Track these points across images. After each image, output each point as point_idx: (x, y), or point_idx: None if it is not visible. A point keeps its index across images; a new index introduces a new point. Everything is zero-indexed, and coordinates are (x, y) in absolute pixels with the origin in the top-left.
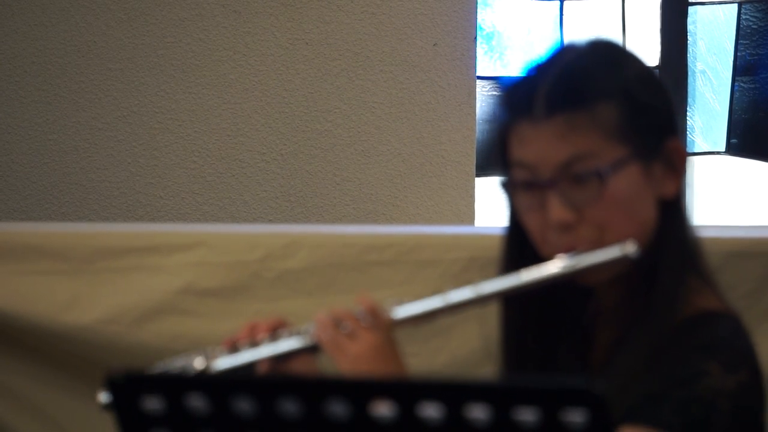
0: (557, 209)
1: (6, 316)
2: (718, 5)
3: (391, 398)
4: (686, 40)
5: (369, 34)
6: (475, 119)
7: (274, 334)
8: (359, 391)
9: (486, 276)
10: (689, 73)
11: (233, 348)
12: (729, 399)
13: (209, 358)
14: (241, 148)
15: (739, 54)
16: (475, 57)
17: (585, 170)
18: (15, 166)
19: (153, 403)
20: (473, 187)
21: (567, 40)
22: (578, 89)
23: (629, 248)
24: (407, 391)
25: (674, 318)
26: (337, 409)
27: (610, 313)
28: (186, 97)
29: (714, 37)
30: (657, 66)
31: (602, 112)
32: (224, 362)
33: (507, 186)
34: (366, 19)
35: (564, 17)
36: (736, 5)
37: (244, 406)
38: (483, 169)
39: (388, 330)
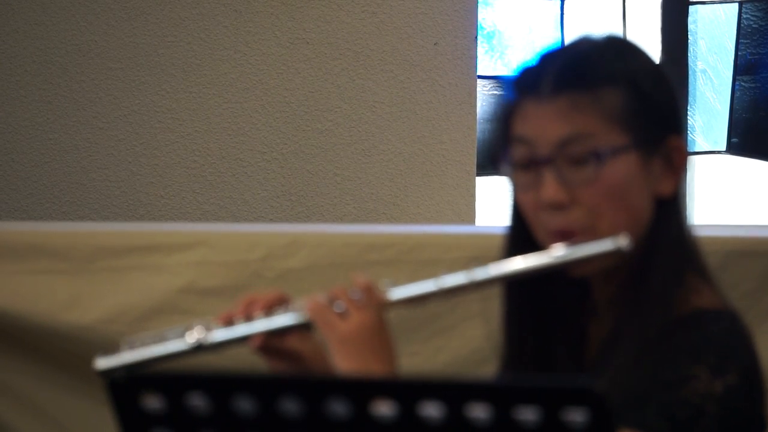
0: (551, 187)
1: (7, 316)
2: (718, 4)
3: (392, 398)
4: (687, 39)
5: (370, 34)
6: (475, 118)
7: (270, 310)
8: (360, 390)
9: None
10: (690, 72)
11: (228, 322)
12: (717, 403)
13: (203, 330)
14: (241, 147)
15: (739, 53)
16: (476, 56)
17: (583, 150)
18: (15, 165)
19: (154, 402)
20: (474, 187)
21: (583, 33)
22: (586, 72)
23: (622, 241)
24: (408, 390)
25: (666, 316)
26: (338, 408)
27: (604, 309)
28: (187, 97)
29: (715, 37)
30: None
31: (607, 97)
32: (218, 335)
33: (506, 164)
34: (367, 19)
35: (565, 16)
36: (736, 4)
37: (244, 405)
38: (484, 169)
39: (381, 310)
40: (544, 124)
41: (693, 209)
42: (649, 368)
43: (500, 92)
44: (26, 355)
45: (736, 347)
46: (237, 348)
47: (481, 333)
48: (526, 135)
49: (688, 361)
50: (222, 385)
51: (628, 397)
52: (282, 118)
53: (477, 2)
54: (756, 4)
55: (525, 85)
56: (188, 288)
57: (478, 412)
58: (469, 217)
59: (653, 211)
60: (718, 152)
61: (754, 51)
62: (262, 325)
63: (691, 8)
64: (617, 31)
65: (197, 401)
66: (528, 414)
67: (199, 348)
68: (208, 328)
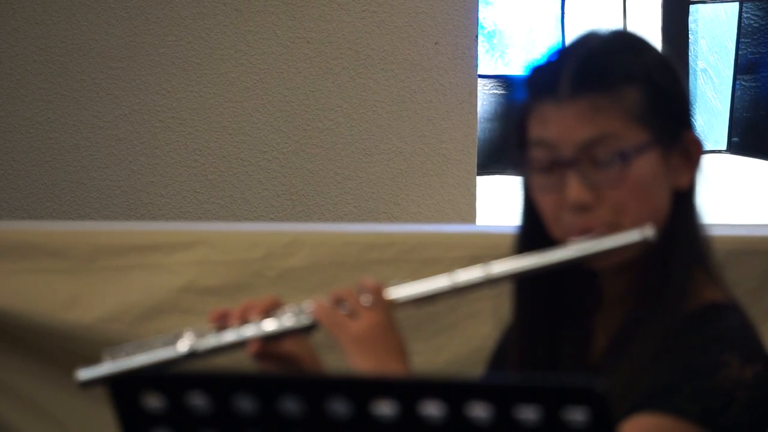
0: (576, 189)
1: (7, 315)
2: (719, 4)
3: (393, 397)
4: (687, 38)
5: (370, 33)
6: (476, 118)
7: (267, 314)
8: (361, 389)
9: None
10: (690, 71)
11: (223, 326)
12: (747, 389)
13: (193, 337)
14: (242, 146)
15: (740, 52)
16: (477, 55)
17: (608, 152)
18: (16, 164)
19: (154, 402)
20: (474, 186)
21: (588, 29)
22: (603, 72)
23: (648, 232)
24: (409, 389)
25: (684, 309)
26: (339, 407)
27: (613, 303)
28: (187, 96)
29: (715, 36)
30: None
31: (626, 96)
32: (213, 341)
33: (524, 166)
34: (367, 18)
35: (565, 15)
36: (737, 4)
37: (245, 404)
38: (484, 168)
39: (390, 310)
40: (566, 127)
41: (703, 205)
42: (676, 358)
43: (509, 92)
44: (26, 355)
45: (756, 338)
46: (233, 353)
47: (482, 332)
48: (547, 138)
49: (717, 349)
50: (222, 384)
51: (655, 387)
52: (282, 118)
53: (477, 1)
54: (756, 3)
55: (541, 87)
56: (189, 287)
57: (479, 411)
58: (469, 216)
59: (671, 205)
60: (719, 152)
61: (754, 50)
62: (260, 329)
63: (692, 7)
64: None
65: (198, 401)
66: (529, 413)
67: (192, 355)
68: (200, 334)
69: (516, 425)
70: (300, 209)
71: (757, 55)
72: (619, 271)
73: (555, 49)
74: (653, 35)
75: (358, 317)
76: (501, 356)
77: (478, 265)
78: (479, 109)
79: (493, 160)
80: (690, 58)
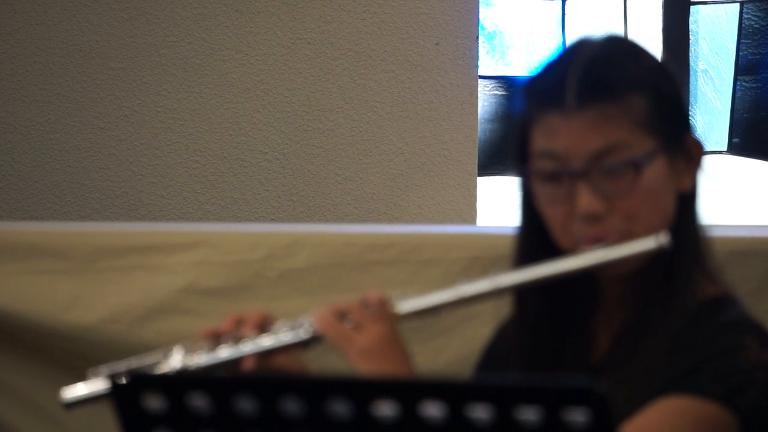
0: (588, 199)
1: (8, 316)
2: (720, 5)
3: (393, 398)
4: (688, 39)
5: (371, 34)
6: (477, 118)
7: (263, 329)
8: (361, 390)
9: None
10: (691, 72)
11: (216, 342)
12: (766, 371)
13: (185, 354)
14: (243, 147)
15: (740, 53)
16: (477, 56)
17: (619, 161)
18: (17, 165)
19: (155, 403)
20: (475, 187)
21: (580, 35)
22: (608, 80)
23: (663, 239)
24: (409, 390)
25: (691, 305)
26: (340, 408)
27: (614, 305)
28: (188, 97)
29: (716, 37)
30: None
31: (632, 104)
32: (205, 359)
33: (529, 177)
34: (368, 19)
35: (566, 16)
36: (738, 5)
37: (246, 405)
38: (485, 169)
39: (394, 322)
40: (575, 138)
41: (704, 206)
42: (693, 345)
43: (510, 93)
44: (27, 355)
45: (765, 326)
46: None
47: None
48: (555, 150)
49: (736, 332)
50: (223, 385)
51: (675, 373)
52: (283, 118)
53: (478, 2)
54: (757, 4)
55: (544, 98)
56: (189, 288)
57: (479, 412)
58: (470, 217)
59: (675, 207)
60: (720, 152)
61: (755, 51)
62: (260, 344)
63: (693, 8)
64: (618, 31)
65: (198, 401)
66: (529, 414)
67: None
68: (192, 351)
69: (516, 426)
70: (300, 210)
71: (757, 56)
72: (621, 276)
73: (552, 58)
74: (654, 36)
75: (365, 330)
76: (494, 354)
77: (486, 277)
78: (480, 110)
79: (493, 161)
80: (690, 59)
